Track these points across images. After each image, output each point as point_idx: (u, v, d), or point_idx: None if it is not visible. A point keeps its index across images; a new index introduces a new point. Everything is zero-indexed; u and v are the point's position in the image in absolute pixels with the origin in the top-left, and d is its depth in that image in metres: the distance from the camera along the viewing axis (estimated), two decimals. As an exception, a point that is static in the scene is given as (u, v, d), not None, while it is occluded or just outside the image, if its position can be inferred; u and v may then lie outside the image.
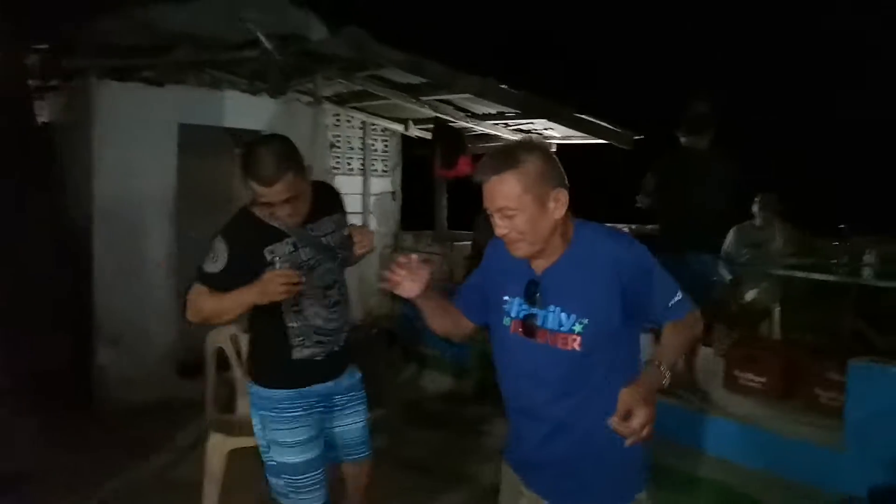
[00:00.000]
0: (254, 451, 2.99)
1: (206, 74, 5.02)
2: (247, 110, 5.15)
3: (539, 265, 1.54)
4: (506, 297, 1.59)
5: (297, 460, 2.14)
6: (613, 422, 1.32)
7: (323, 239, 2.17)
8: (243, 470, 3.13)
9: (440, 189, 6.96)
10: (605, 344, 1.48)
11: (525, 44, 14.53)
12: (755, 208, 4.95)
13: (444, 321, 1.76)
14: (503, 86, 5.34)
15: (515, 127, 6.33)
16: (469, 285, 1.77)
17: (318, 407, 2.19)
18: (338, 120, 6.40)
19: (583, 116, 5.73)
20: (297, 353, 2.13)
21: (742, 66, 13.67)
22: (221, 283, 2.03)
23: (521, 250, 1.51)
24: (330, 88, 5.71)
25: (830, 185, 10.49)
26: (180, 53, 4.50)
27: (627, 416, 1.31)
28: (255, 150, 1.97)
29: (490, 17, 15.02)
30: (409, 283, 1.64)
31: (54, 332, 4.11)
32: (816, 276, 4.21)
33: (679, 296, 1.50)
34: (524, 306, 1.54)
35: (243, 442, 2.87)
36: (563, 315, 1.48)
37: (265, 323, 2.14)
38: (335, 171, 6.32)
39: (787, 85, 13.33)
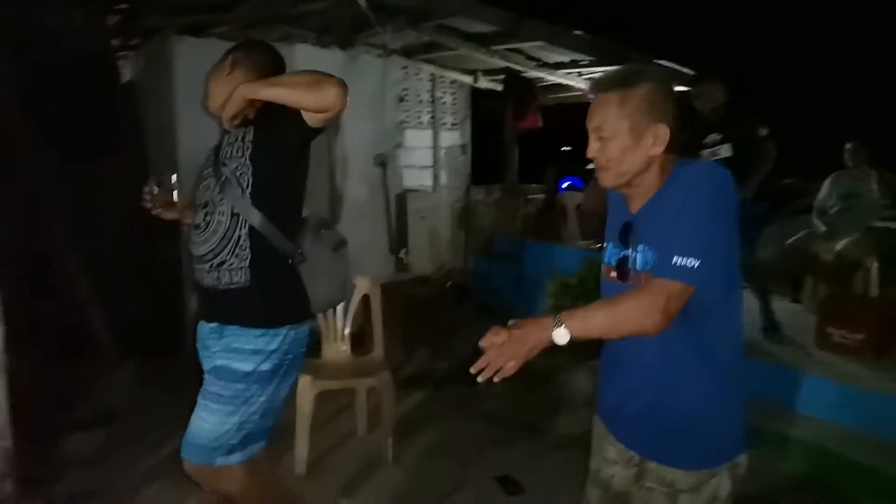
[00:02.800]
0: (340, 393, 3.11)
1: (277, 29, 5.04)
2: (317, 64, 5.09)
3: (636, 205, 1.47)
4: (609, 242, 1.53)
5: None
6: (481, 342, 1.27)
7: (219, 150, 1.88)
8: (330, 410, 3.38)
9: (511, 142, 6.84)
10: None
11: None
12: (846, 156, 4.63)
13: None
14: (576, 31, 5.14)
15: (589, 76, 6.11)
16: None
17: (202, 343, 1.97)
18: (406, 73, 6.33)
19: (661, 62, 5.45)
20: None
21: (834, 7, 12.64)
22: None
23: (607, 179, 1.45)
24: (398, 41, 5.65)
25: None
26: (249, 7, 4.53)
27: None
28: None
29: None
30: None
31: (147, 283, 4.32)
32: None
33: (690, 260, 1.28)
34: (618, 249, 1.48)
35: (330, 385, 3.01)
36: (650, 253, 1.39)
37: None
38: (405, 124, 6.30)
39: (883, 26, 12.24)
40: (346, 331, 3.25)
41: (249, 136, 1.84)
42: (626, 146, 1.39)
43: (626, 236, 1.46)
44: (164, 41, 4.65)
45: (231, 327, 1.85)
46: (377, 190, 5.73)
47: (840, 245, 4.37)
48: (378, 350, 3.24)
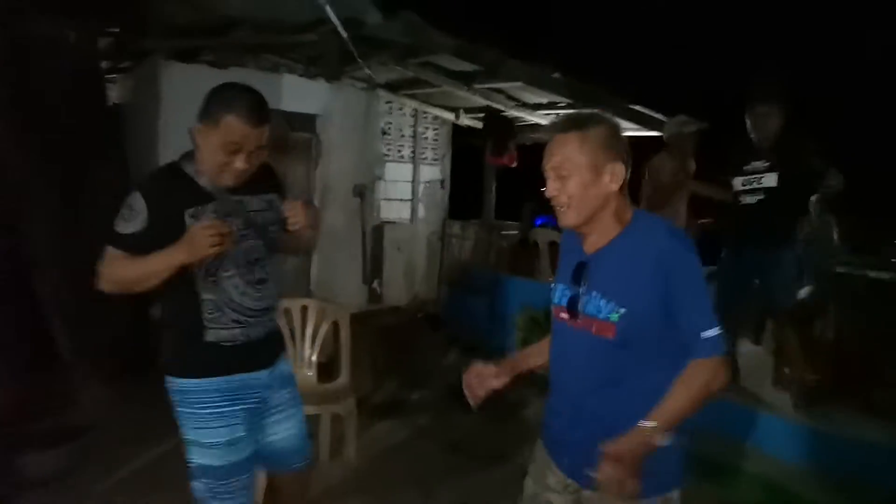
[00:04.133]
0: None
1: (266, 58, 5.16)
2: (304, 94, 5.30)
3: (590, 246, 1.52)
4: (560, 283, 1.58)
5: (220, 463, 1.82)
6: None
7: (252, 213, 1.89)
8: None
9: (489, 178, 6.99)
10: (641, 338, 1.42)
11: (578, 32, 14.34)
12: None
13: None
14: (556, 74, 5.32)
15: (566, 117, 6.29)
16: None
17: (248, 401, 1.89)
18: (390, 107, 6.49)
19: (637, 108, 5.65)
20: (212, 335, 1.83)
21: (809, 48, 13.07)
22: (139, 246, 1.74)
23: (567, 217, 1.50)
24: (383, 75, 5.80)
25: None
26: (239, 36, 4.64)
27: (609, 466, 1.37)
28: (238, 87, 1.78)
29: (543, 5, 14.90)
30: (492, 382, 1.66)
31: (117, 300, 4.30)
32: (875, 274, 4.08)
33: (714, 331, 1.40)
34: (571, 289, 1.53)
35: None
36: (603, 301, 1.44)
37: (175, 294, 1.82)
38: (386, 157, 6.42)
39: (860, 71, 12.69)
40: (314, 357, 3.29)
41: (270, 217, 1.94)
42: (586, 182, 1.46)
43: (578, 276, 1.51)
44: (154, 65, 4.75)
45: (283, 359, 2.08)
46: (355, 220, 5.82)
47: (803, 292, 4.51)
48: (344, 377, 3.27)
